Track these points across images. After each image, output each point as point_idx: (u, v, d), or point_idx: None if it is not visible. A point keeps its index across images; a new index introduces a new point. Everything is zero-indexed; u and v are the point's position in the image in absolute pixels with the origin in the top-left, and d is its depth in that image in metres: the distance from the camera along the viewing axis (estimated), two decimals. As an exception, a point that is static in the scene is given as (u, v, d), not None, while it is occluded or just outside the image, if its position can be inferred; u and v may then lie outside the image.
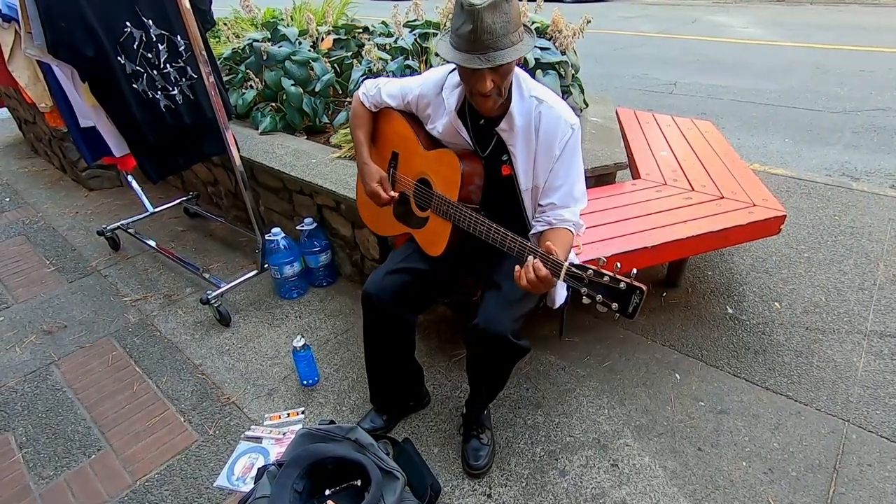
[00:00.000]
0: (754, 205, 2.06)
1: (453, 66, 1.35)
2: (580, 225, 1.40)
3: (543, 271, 1.12)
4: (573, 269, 1.10)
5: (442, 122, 1.44)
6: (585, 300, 1.09)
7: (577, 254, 1.61)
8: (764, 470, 1.56)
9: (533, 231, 1.42)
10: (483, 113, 1.35)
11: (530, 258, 1.15)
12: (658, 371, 1.92)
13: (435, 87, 1.45)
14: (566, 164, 1.36)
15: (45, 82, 2.27)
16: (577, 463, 1.61)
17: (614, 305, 1.05)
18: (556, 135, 1.33)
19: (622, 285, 1.04)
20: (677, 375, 1.90)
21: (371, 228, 1.82)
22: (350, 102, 2.74)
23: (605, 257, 1.09)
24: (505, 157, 1.39)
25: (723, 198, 2.13)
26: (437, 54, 2.44)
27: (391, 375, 1.68)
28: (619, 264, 1.07)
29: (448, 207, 1.39)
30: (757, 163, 3.49)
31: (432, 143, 1.51)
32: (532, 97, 1.34)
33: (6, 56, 2.27)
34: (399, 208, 1.62)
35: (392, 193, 1.54)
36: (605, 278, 1.05)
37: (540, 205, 1.40)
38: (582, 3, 9.70)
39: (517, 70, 1.35)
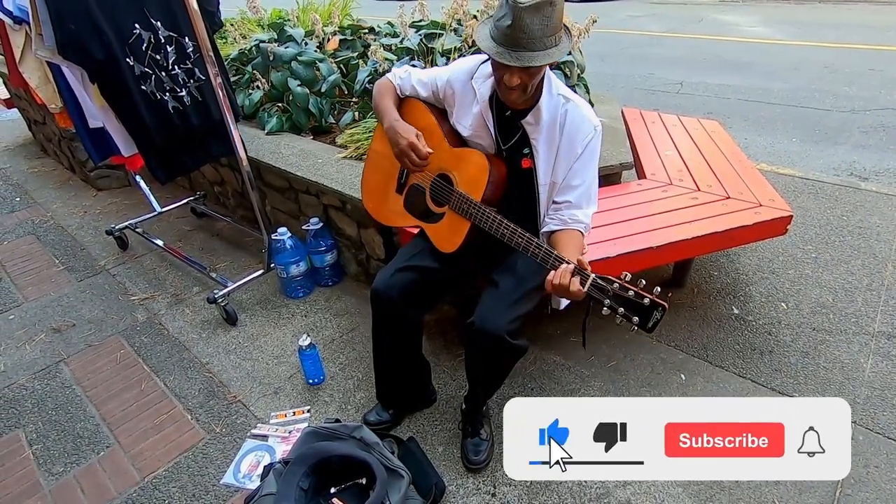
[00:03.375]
0: (761, 205, 2.05)
1: (486, 56, 1.35)
2: (589, 227, 1.41)
3: (569, 283, 1.13)
4: (599, 280, 1.11)
5: (470, 111, 1.44)
6: (605, 311, 1.11)
7: (581, 254, 1.61)
8: (770, 471, 1.55)
9: (545, 229, 1.42)
10: (507, 104, 1.36)
11: (564, 266, 1.15)
12: (663, 371, 1.92)
13: (465, 74, 1.45)
14: (585, 165, 1.38)
15: (54, 83, 2.29)
16: (582, 463, 1.60)
17: (635, 319, 1.07)
18: (580, 133, 1.35)
19: (646, 301, 1.05)
20: (683, 376, 1.90)
21: (374, 217, 1.71)
22: (356, 102, 2.78)
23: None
24: (526, 150, 1.40)
25: (729, 198, 2.12)
26: (471, 36, 2.47)
27: (398, 373, 1.69)
28: (642, 281, 1.08)
29: (469, 207, 1.39)
30: (764, 162, 3.47)
31: (458, 139, 1.51)
32: (559, 95, 1.37)
33: (17, 57, 2.29)
34: (411, 200, 1.60)
35: (429, 150, 1.42)
36: (630, 293, 1.07)
37: (555, 202, 1.41)
38: (588, 1, 9.66)
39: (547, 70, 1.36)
